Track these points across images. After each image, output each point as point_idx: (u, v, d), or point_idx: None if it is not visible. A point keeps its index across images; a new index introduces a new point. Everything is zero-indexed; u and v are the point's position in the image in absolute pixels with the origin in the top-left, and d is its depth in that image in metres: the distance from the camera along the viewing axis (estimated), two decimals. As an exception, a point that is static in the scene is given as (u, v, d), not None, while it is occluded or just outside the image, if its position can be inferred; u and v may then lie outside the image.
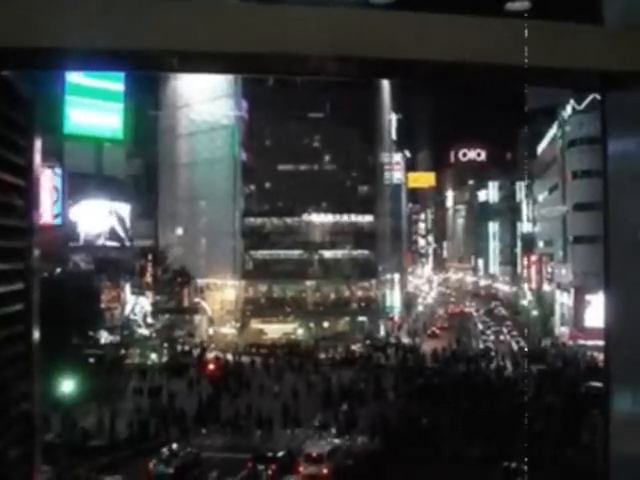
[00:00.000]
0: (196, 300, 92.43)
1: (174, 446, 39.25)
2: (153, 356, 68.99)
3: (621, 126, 2.58)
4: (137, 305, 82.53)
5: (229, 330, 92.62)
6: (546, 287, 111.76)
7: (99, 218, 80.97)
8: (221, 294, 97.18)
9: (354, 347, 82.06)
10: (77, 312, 54.64)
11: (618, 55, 2.46)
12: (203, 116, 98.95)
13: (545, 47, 2.44)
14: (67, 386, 43.23)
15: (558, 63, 2.44)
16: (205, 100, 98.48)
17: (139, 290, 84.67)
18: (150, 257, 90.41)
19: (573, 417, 41.33)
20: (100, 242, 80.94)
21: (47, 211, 72.12)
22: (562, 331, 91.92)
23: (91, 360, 54.78)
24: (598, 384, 36.45)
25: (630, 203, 2.51)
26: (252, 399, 50.50)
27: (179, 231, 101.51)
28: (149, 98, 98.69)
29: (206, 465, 37.85)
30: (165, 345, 73.37)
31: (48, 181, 71.24)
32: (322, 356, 75.10)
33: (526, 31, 2.45)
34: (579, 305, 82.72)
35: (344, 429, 44.13)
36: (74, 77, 78.26)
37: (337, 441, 40.85)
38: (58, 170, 74.97)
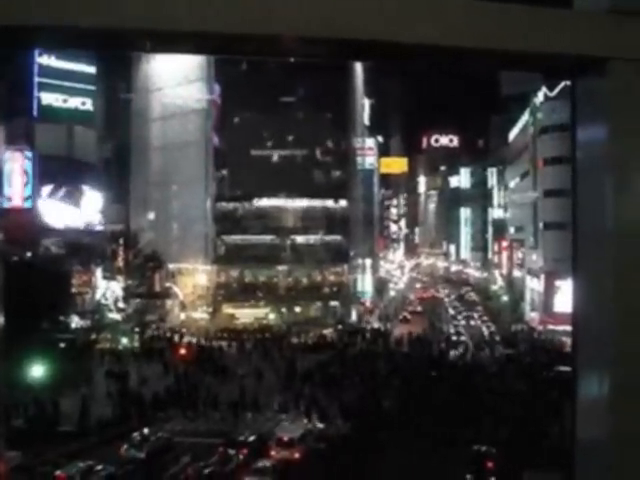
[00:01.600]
0: (168, 285, 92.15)
1: (145, 431, 39.25)
2: (124, 341, 68.72)
3: (590, 114, 2.60)
4: (108, 290, 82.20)
5: (201, 315, 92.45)
6: (516, 273, 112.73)
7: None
8: (193, 279, 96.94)
9: (326, 332, 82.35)
10: (47, 296, 54.36)
11: (588, 41, 2.47)
12: (175, 100, 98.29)
13: (514, 31, 2.44)
14: (37, 371, 43.06)
15: (528, 47, 2.45)
16: (178, 84, 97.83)
17: (110, 275, 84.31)
18: (121, 241, 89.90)
19: (539, 401, 41.84)
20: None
21: (17, 194, 71.53)
22: (532, 316, 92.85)
23: (62, 345, 54.48)
24: (567, 368, 36.88)
25: (598, 191, 2.53)
26: (219, 383, 50.57)
27: (151, 215, 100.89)
28: (121, 81, 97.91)
29: (178, 450, 37.89)
30: (136, 330, 73.09)
31: (18, 164, 70.62)
32: (294, 341, 75.31)
33: (496, 14, 2.45)
34: (549, 291, 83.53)
35: (304, 413, 44.46)
36: (44, 59, 77.45)
37: (309, 426, 41.11)
38: (28, 153, 74.29)
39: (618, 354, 2.39)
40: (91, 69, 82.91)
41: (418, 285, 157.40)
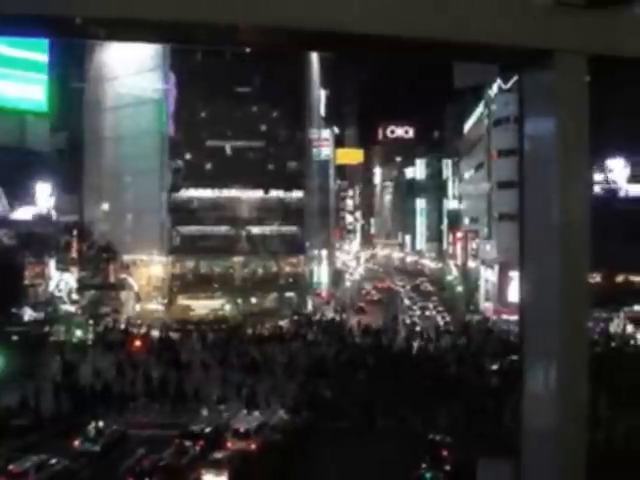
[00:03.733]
0: (122, 276, 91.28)
1: (100, 424, 38.92)
2: (78, 333, 67.99)
3: (538, 106, 2.64)
4: (62, 281, 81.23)
5: (156, 306, 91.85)
6: (471, 263, 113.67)
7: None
8: (148, 270, 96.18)
9: (282, 323, 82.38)
10: (-1, 288, 53.62)
11: (535, 33, 2.52)
12: (130, 89, 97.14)
13: (464, 22, 2.48)
14: (-12, 364, 42.44)
15: (477, 39, 2.48)
16: (132, 73, 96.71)
17: (64, 266, 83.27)
18: (75, 233, 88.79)
19: (490, 389, 42.43)
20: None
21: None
22: (486, 306, 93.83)
23: (14, 338, 53.75)
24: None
25: (544, 182, 2.58)
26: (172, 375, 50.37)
27: (105, 206, 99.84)
28: (75, 70, 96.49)
29: (133, 442, 37.65)
30: (91, 322, 72.37)
31: (-32, 154, 69.33)
32: (250, 332, 75.21)
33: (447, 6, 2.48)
34: (503, 281, 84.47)
35: (245, 404, 44.64)
36: (-5, 47, 76.03)
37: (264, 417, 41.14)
38: (-22, 143, 73.00)
39: (563, 341, 2.45)
40: (43, 57, 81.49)
41: (374, 276, 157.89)
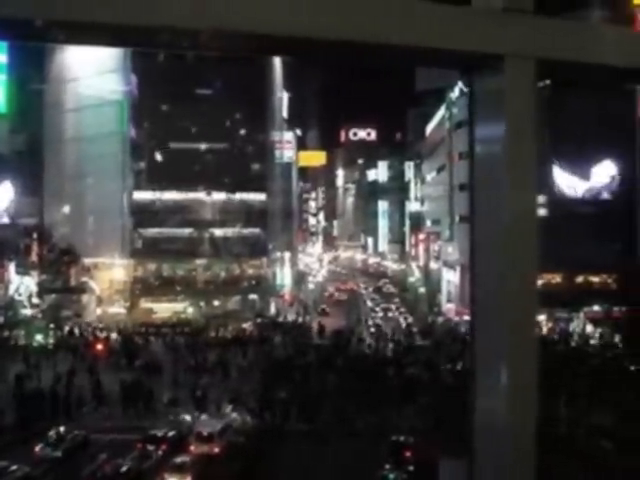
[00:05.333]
0: (84, 279, 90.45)
1: (61, 429, 38.58)
2: (39, 337, 67.32)
3: (487, 110, 2.70)
4: (22, 285, 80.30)
5: (118, 310, 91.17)
6: (433, 265, 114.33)
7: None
8: (109, 273, 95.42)
9: (245, 325, 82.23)
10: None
11: (484, 38, 2.57)
12: (91, 91, 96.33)
13: (415, 27, 2.51)
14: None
15: (427, 44, 2.52)
16: (93, 74, 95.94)
17: (24, 269, 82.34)
18: (35, 236, 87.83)
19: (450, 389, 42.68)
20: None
21: None
22: (448, 307, 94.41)
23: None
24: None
25: (493, 186, 2.64)
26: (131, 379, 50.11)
27: (65, 209, 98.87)
28: (34, 71, 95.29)
29: (95, 447, 37.37)
30: (51, 326, 71.66)
31: None
32: (212, 334, 75.03)
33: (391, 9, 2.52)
34: (464, 282, 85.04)
35: (195, 406, 44.71)
36: (-48, 48, 75.01)
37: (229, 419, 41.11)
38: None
39: (512, 341, 2.51)
40: (2, 58, 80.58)
41: (337, 278, 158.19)
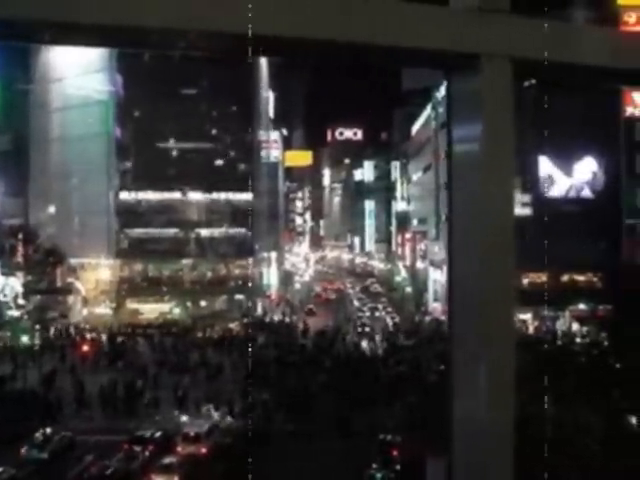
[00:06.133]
0: (69, 280, 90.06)
1: (48, 430, 38.40)
2: (25, 338, 67.01)
3: (464, 110, 2.71)
4: (7, 286, 79.84)
5: (104, 310, 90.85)
6: (420, 264, 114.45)
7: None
8: (95, 274, 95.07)
9: (232, 325, 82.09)
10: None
11: (461, 38, 2.58)
12: (77, 91, 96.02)
13: (392, 27, 2.52)
14: None
15: (405, 43, 2.53)
16: (79, 74, 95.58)
17: (9, 270, 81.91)
18: (20, 236, 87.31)
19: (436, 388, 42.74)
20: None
21: None
22: (435, 306, 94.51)
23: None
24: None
25: (470, 185, 2.65)
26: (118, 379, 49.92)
27: (51, 209, 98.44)
28: (20, 71, 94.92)
29: (82, 449, 37.21)
30: (37, 327, 71.32)
31: None
32: (199, 335, 74.88)
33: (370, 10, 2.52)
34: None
35: (178, 405, 44.69)
36: (-64, 48, 74.49)
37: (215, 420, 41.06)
38: None
39: (489, 340, 2.52)
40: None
41: (323, 277, 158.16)
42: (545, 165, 79.56)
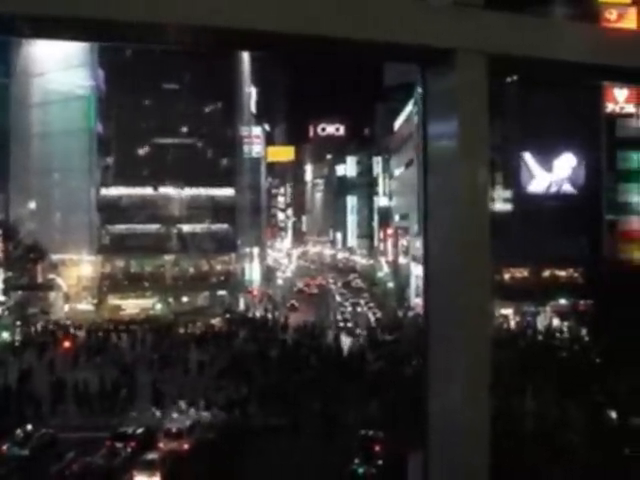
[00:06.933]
0: (51, 276, 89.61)
1: (29, 427, 38.20)
2: (5, 335, 66.70)
3: (439, 105, 2.71)
4: (-13, 282, 79.40)
5: (86, 306, 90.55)
6: (402, 259, 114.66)
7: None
8: (77, 270, 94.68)
9: (214, 321, 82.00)
10: None
11: (436, 32, 2.58)
12: (58, 85, 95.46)
13: (368, 21, 2.52)
14: None
15: (379, 38, 2.53)
16: (60, 69, 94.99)
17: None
18: (0, 232, 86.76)
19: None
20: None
21: None
22: (417, 302, 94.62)
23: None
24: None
25: (445, 181, 2.66)
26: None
27: (32, 205, 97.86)
28: (0, 65, 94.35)
29: (63, 445, 37.03)
30: (18, 323, 70.98)
31: None
32: (181, 331, 74.73)
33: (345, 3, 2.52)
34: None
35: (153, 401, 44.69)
36: None
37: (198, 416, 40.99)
38: None
39: (467, 337, 2.53)
40: (-34, 53, 79.63)
41: (306, 273, 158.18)
42: (526, 161, 79.89)
